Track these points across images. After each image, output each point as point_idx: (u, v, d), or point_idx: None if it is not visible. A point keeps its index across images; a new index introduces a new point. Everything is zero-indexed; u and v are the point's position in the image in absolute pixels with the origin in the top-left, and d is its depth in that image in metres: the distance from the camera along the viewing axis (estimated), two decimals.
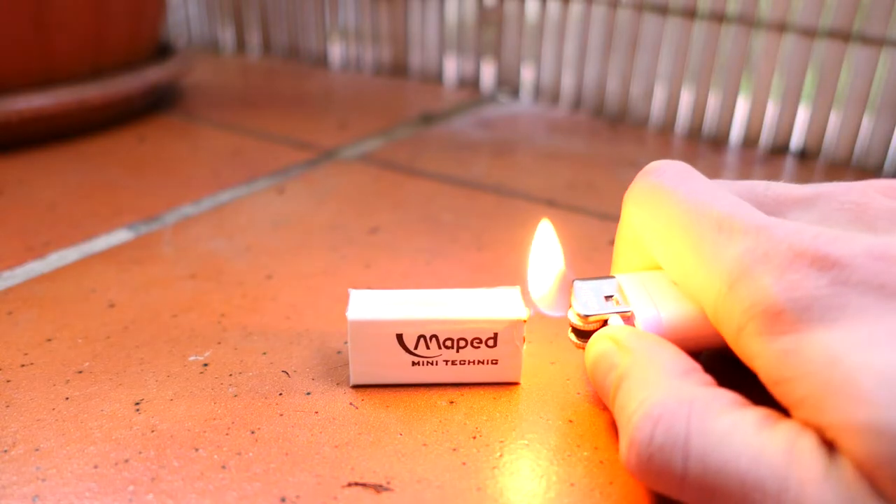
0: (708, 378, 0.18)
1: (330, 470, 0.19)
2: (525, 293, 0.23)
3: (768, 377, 0.16)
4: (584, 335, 0.21)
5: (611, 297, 0.21)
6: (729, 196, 0.19)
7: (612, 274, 0.22)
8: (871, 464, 0.14)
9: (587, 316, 0.21)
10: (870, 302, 0.15)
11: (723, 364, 0.19)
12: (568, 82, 0.52)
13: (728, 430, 0.16)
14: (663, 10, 0.47)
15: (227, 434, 0.20)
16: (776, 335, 0.16)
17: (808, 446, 0.15)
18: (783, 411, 0.16)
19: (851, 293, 0.15)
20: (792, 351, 0.15)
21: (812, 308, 0.15)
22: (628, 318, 0.20)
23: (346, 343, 0.24)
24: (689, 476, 0.16)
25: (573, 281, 0.21)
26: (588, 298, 0.21)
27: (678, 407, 0.16)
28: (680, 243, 0.19)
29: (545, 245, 0.23)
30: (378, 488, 0.18)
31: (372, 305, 0.21)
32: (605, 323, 0.21)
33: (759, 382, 0.16)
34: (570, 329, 0.22)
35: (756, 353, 0.16)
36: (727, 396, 0.16)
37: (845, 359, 0.14)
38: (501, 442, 0.20)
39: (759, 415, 0.16)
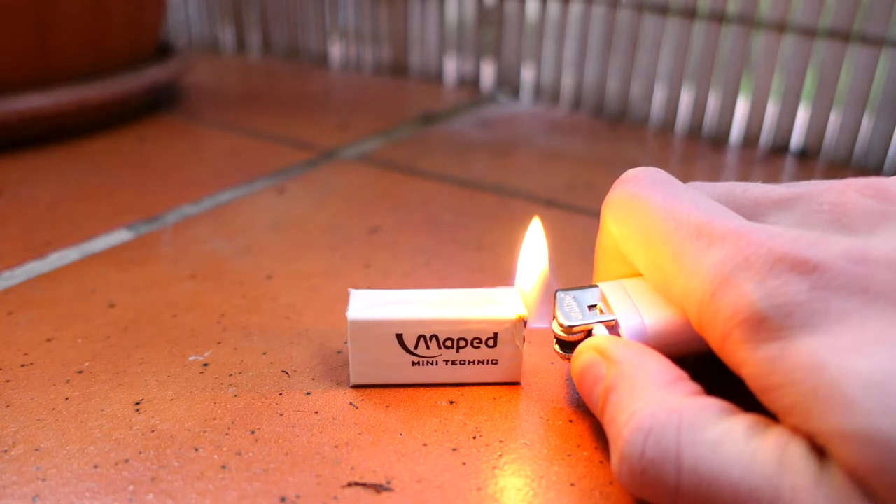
0: (695, 387, 0.17)
1: (330, 470, 0.19)
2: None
3: (756, 385, 0.16)
4: (568, 346, 0.21)
5: (594, 306, 0.21)
6: (707, 201, 0.19)
7: (593, 283, 0.22)
8: (862, 471, 0.14)
9: (571, 327, 0.20)
10: (852, 306, 0.15)
11: (708, 369, 0.19)
12: (568, 82, 0.52)
13: (718, 439, 0.15)
14: (663, 10, 0.47)
15: (227, 434, 0.20)
16: (761, 343, 0.15)
17: (799, 453, 0.15)
18: (773, 416, 0.16)
19: (833, 298, 0.15)
20: (777, 358, 0.15)
21: (794, 314, 0.15)
22: (612, 327, 0.20)
23: (346, 343, 0.24)
24: (683, 488, 0.15)
25: (556, 291, 0.21)
26: (571, 309, 0.21)
27: (667, 419, 0.16)
28: (659, 252, 0.18)
29: (531, 252, 0.23)
30: (378, 488, 0.18)
31: (372, 305, 0.21)
32: (589, 333, 0.20)
33: (748, 387, 0.16)
34: (554, 340, 0.21)
35: (742, 361, 0.16)
36: (716, 405, 0.16)
37: (831, 365, 0.14)
38: (501, 442, 0.20)
39: (748, 422, 0.16)
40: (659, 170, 0.20)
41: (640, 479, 0.16)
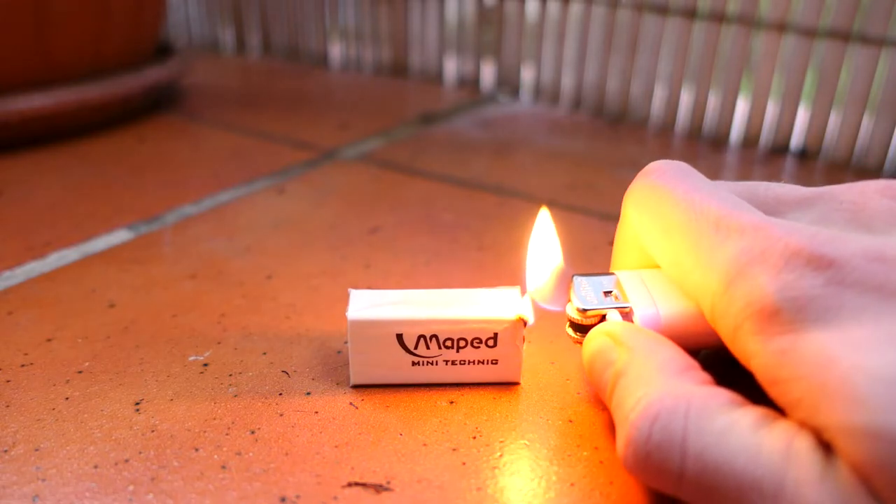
0: (705, 376, 0.18)
1: (330, 470, 0.19)
2: (524, 289, 0.22)
3: (765, 378, 0.16)
4: (582, 330, 0.21)
5: (610, 292, 0.21)
6: (728, 195, 0.19)
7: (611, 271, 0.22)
8: (868, 467, 0.14)
9: (585, 310, 0.21)
10: (866, 303, 0.15)
11: (720, 362, 0.19)
12: (568, 82, 0.52)
13: (725, 429, 0.16)
14: (663, 10, 0.47)
15: (227, 434, 0.20)
16: (772, 335, 0.16)
17: (805, 447, 0.15)
18: (780, 410, 0.16)
19: (847, 294, 0.15)
20: (788, 351, 0.15)
21: (808, 308, 0.15)
22: (627, 314, 0.20)
23: (346, 343, 0.24)
24: (687, 474, 0.16)
25: (572, 276, 0.21)
26: (587, 293, 0.21)
27: (675, 405, 0.16)
28: (678, 243, 0.18)
29: (543, 238, 0.23)
30: (378, 488, 0.18)
31: (372, 305, 0.21)
32: (603, 318, 0.21)
33: (757, 381, 0.16)
34: (567, 324, 0.21)
35: (752, 353, 0.16)
36: (724, 395, 0.16)
37: (841, 360, 0.14)
38: (501, 442, 0.20)
39: (756, 414, 0.16)
40: (681, 163, 0.20)
41: (644, 463, 0.16)
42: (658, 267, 0.21)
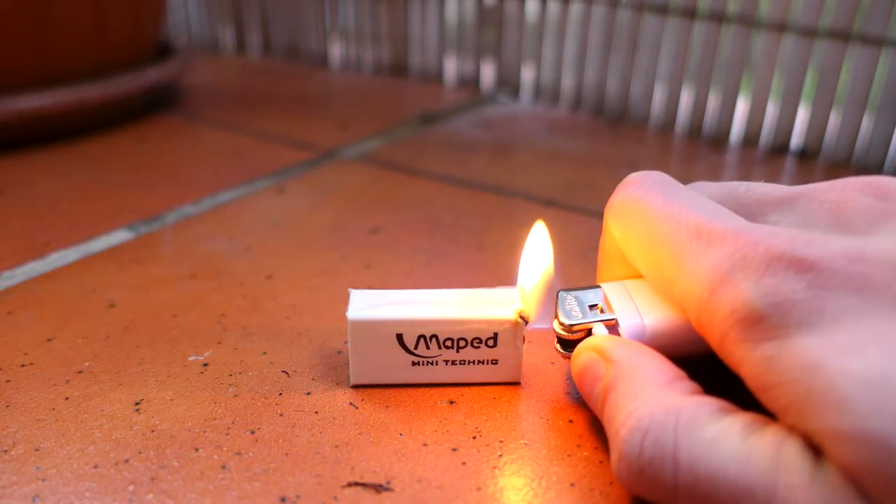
0: (694, 386, 0.18)
1: (330, 470, 0.19)
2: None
3: (754, 384, 0.16)
4: (569, 345, 0.21)
5: (595, 305, 0.21)
6: (707, 203, 0.19)
7: (596, 284, 0.22)
8: (857, 470, 0.14)
9: (571, 325, 0.21)
10: (848, 305, 0.15)
11: (709, 368, 0.19)
12: (568, 82, 0.52)
13: (715, 438, 0.16)
14: (663, 10, 0.47)
15: (227, 434, 0.20)
16: (758, 342, 0.16)
17: (794, 451, 0.15)
18: (770, 415, 0.16)
19: (829, 296, 0.15)
20: (774, 357, 0.15)
21: (791, 313, 0.15)
22: (612, 327, 0.20)
23: (346, 343, 0.24)
24: (680, 486, 0.16)
25: (558, 291, 0.21)
26: (572, 308, 0.21)
27: (665, 418, 0.16)
28: (660, 253, 0.18)
29: (534, 254, 0.23)
30: (378, 488, 0.18)
31: (372, 305, 0.21)
32: (589, 332, 0.21)
33: (746, 386, 0.16)
34: (556, 339, 0.21)
35: (740, 360, 0.16)
36: (713, 404, 0.16)
37: (826, 365, 0.14)
38: (501, 442, 0.20)
39: (745, 421, 0.16)
40: (660, 173, 0.20)
41: (638, 478, 0.16)
42: (642, 277, 0.21)
